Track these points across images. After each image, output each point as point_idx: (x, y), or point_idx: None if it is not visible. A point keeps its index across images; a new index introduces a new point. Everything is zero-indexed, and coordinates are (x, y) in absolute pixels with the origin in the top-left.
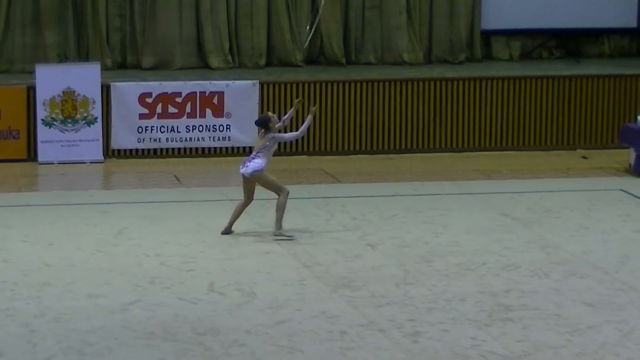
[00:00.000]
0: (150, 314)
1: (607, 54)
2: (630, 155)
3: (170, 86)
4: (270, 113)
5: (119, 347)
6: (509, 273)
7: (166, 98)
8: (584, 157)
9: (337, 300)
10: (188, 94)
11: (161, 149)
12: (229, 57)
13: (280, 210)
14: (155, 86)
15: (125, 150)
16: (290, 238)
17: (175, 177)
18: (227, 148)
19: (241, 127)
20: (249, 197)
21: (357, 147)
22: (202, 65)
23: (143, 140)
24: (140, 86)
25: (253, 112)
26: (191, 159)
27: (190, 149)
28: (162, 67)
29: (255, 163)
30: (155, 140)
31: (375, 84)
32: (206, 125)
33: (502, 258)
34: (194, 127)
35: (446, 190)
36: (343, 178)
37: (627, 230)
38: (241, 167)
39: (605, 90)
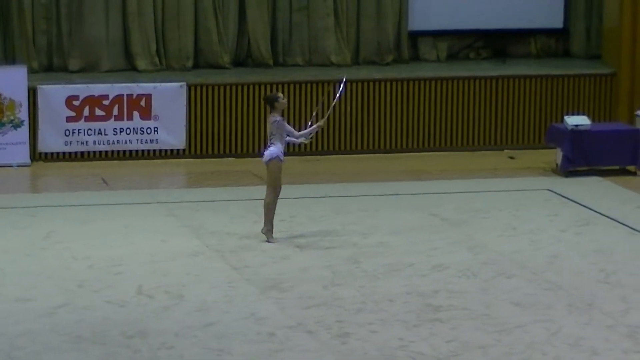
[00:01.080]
0: (79, 318)
1: (534, 55)
2: (557, 155)
3: (97, 89)
4: (280, 94)
5: (47, 351)
6: (437, 273)
7: (93, 101)
8: (512, 158)
9: (265, 302)
10: (115, 97)
11: (88, 152)
12: (156, 60)
13: (271, 208)
14: (83, 89)
15: (52, 153)
16: (271, 242)
17: (103, 180)
18: (155, 150)
19: (169, 129)
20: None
21: (285, 149)
22: (129, 68)
23: (70, 143)
24: (67, 89)
25: (181, 114)
26: (119, 162)
27: (118, 151)
28: (89, 70)
29: (270, 151)
30: (82, 143)
31: (303, 86)
32: (134, 128)
33: (430, 258)
34: (122, 130)
35: (374, 191)
36: None
37: (554, 230)
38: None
39: (532, 90)
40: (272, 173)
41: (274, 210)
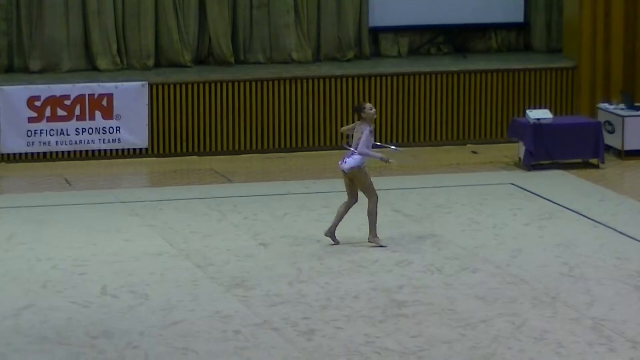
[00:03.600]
0: (43, 319)
1: (495, 49)
2: (519, 149)
3: (58, 89)
4: (367, 104)
5: (11, 353)
6: (401, 269)
7: (55, 101)
8: (474, 152)
9: (230, 300)
10: (77, 97)
11: (51, 152)
12: (117, 59)
13: (372, 215)
14: (44, 89)
15: (14, 154)
16: (383, 246)
17: (66, 180)
18: (117, 150)
19: (131, 129)
20: (352, 197)
21: (248, 147)
22: (90, 68)
23: (32, 144)
24: (28, 89)
25: (143, 113)
26: (81, 162)
27: (80, 151)
28: (49, 70)
29: (354, 159)
30: (44, 143)
31: (265, 83)
32: (96, 128)
33: (394, 254)
34: (84, 130)
35: (337, 188)
36: (234, 178)
37: (517, 224)
38: (340, 162)
39: (493, 84)
40: (359, 182)
41: (376, 216)
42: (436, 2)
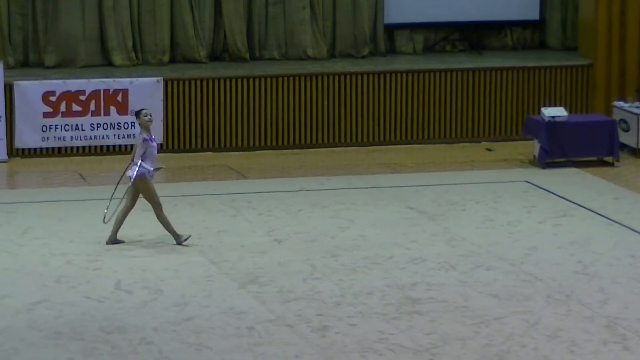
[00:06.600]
0: (57, 314)
1: (510, 46)
2: (534, 146)
3: (73, 84)
4: (145, 110)
5: (25, 348)
6: (415, 266)
7: (70, 96)
8: (489, 150)
9: (244, 296)
10: (92, 92)
11: (66, 148)
12: (133, 54)
13: (166, 223)
14: (59, 84)
15: (29, 149)
16: (183, 243)
17: (80, 175)
18: (132, 145)
19: None
20: (131, 203)
21: (263, 143)
22: (105, 63)
23: (47, 139)
24: (43, 85)
25: (158, 109)
26: (96, 157)
27: (95, 147)
28: (65, 65)
29: (133, 170)
30: (59, 138)
31: (280, 79)
32: (110, 123)
33: (408, 251)
34: (99, 125)
35: (352, 185)
36: (249, 174)
37: (532, 221)
38: (128, 174)
39: (508, 82)
40: (144, 191)
41: (168, 220)
42: None
